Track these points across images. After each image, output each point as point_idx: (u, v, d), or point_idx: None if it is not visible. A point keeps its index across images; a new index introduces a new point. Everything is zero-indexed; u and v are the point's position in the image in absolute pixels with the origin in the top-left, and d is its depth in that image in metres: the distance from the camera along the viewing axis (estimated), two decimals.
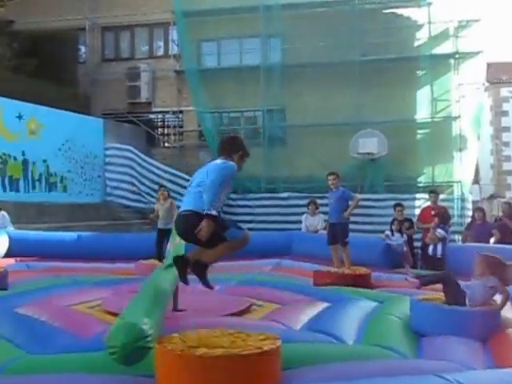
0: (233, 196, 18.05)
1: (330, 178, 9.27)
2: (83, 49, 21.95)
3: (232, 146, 5.57)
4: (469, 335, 5.26)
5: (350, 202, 9.14)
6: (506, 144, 37.62)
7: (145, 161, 18.47)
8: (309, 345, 4.88)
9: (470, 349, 5.02)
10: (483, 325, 5.49)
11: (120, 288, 7.75)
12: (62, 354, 4.58)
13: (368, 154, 17.42)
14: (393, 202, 13.61)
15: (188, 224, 5.13)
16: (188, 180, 17.91)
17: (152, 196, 17.25)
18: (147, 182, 18.12)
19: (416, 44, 18.93)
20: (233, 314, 6.16)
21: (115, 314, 6.11)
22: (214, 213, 4.99)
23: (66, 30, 20.03)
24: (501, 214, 12.94)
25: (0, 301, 6.60)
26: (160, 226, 10.63)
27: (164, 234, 10.23)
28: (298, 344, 4.78)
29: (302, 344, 4.85)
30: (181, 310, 6.18)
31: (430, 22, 18.60)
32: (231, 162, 5.35)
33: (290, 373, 4.01)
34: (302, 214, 13.27)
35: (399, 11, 19.03)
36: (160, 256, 10.01)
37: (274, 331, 5.01)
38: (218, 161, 5.40)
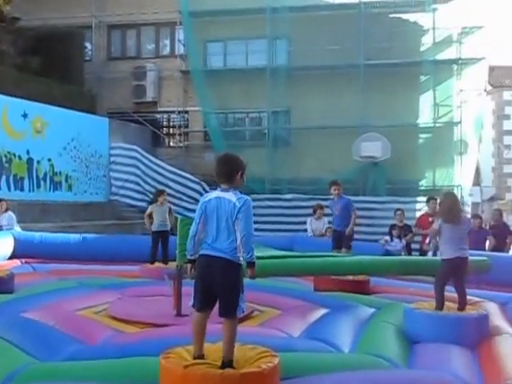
0: None
1: (334, 187, 9.34)
2: (89, 47, 21.93)
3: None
4: (459, 342, 5.46)
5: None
6: (508, 147, 37.75)
7: (150, 160, 18.51)
8: (305, 354, 4.97)
9: (460, 356, 5.20)
10: (473, 332, 5.72)
11: (125, 292, 7.84)
12: (70, 362, 4.68)
13: (371, 157, 17.55)
14: (394, 205, 13.74)
15: None
16: (193, 181, 18.00)
17: None
18: (152, 182, 18.20)
19: (420, 49, 19.05)
20: None
21: (120, 320, 6.29)
22: None
23: (72, 28, 19.98)
24: (492, 222, 13.06)
25: (7, 305, 6.58)
26: (156, 228, 10.66)
27: (159, 236, 10.40)
28: (295, 354, 4.87)
29: (299, 353, 4.95)
30: (184, 316, 6.24)
31: (434, 28, 18.73)
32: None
33: None
34: (307, 215, 13.30)
35: (405, 16, 19.14)
36: (154, 258, 10.18)
37: (273, 339, 5.24)
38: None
